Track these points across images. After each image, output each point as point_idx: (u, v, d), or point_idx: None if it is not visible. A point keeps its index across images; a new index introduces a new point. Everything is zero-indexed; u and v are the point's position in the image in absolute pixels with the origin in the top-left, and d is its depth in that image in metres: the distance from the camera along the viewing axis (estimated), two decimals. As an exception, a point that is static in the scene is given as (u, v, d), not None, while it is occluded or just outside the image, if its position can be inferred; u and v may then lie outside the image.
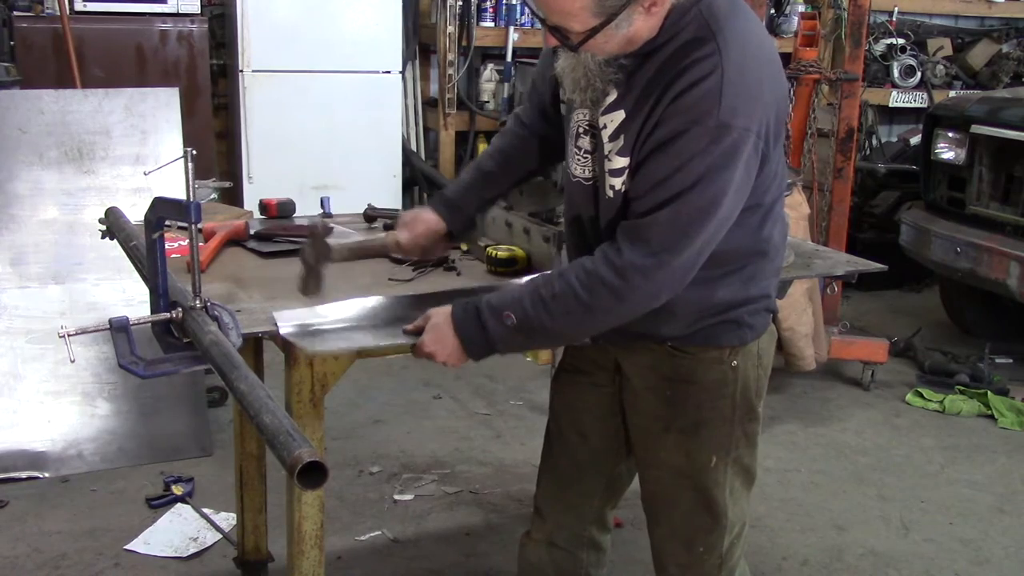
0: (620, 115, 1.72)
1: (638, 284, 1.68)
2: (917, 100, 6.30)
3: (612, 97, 1.74)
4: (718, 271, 1.79)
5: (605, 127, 1.75)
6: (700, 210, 1.65)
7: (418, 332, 1.83)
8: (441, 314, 1.81)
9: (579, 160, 1.85)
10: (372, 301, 1.95)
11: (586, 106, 1.79)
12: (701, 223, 1.65)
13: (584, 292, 1.70)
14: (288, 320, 1.85)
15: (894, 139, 6.60)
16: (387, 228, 2.50)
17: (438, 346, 1.80)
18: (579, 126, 1.83)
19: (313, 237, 1.94)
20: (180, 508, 3.22)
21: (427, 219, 2.06)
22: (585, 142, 1.82)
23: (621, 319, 1.75)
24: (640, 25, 1.65)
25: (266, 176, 4.94)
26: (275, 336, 1.84)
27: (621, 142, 1.73)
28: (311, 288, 1.95)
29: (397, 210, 2.87)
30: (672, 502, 1.99)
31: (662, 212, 1.65)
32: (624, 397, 2.01)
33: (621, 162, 1.74)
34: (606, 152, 1.76)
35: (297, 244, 2.41)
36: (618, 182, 1.75)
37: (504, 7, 5.51)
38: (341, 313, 1.91)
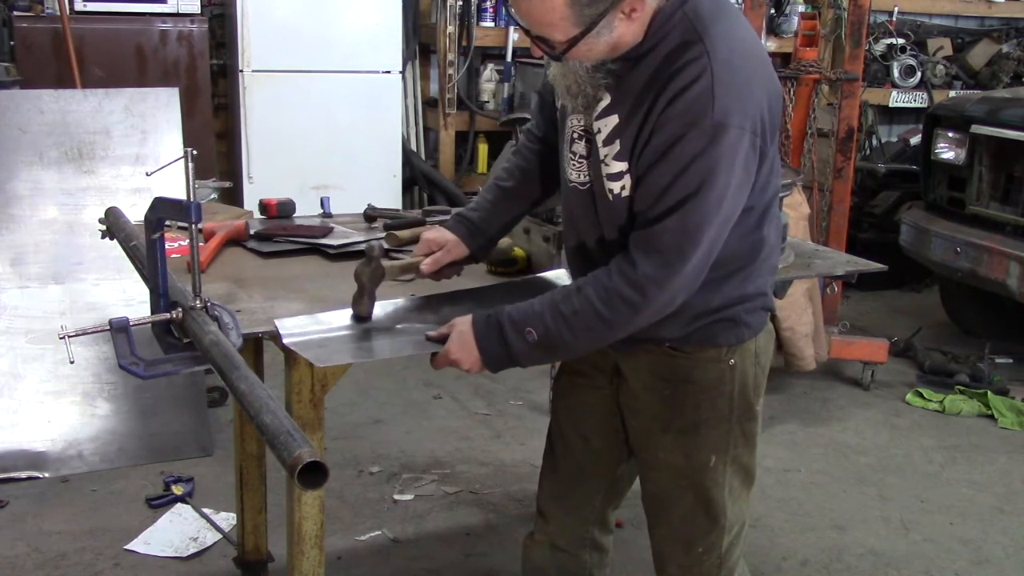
0: (614, 119, 1.73)
1: (654, 295, 1.70)
2: (917, 100, 6.30)
3: (605, 102, 1.74)
4: (719, 273, 1.79)
5: (599, 132, 1.76)
6: (705, 212, 1.66)
7: (442, 340, 1.84)
8: (465, 323, 1.82)
9: (574, 165, 1.85)
10: (375, 307, 1.95)
11: (579, 112, 1.80)
12: (707, 224, 1.66)
13: (603, 307, 1.71)
14: (290, 328, 1.85)
15: (894, 139, 6.60)
16: (387, 228, 2.49)
17: (463, 354, 1.81)
18: (573, 131, 1.84)
19: (369, 259, 1.93)
20: (180, 508, 3.22)
21: (452, 249, 2.04)
22: (580, 147, 1.83)
23: (638, 328, 1.76)
24: (623, 31, 1.66)
25: (266, 176, 4.94)
26: (275, 337, 1.84)
27: (617, 147, 1.74)
28: (364, 309, 1.93)
29: (397, 210, 2.87)
30: (671, 502, 2.00)
31: (670, 219, 1.66)
32: (622, 398, 2.01)
33: (618, 167, 1.74)
34: (601, 157, 1.76)
35: (297, 244, 2.42)
36: (616, 186, 1.76)
37: (504, 7, 5.51)
38: (343, 320, 1.91)
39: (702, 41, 1.64)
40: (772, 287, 1.96)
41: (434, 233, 2.06)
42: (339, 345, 1.83)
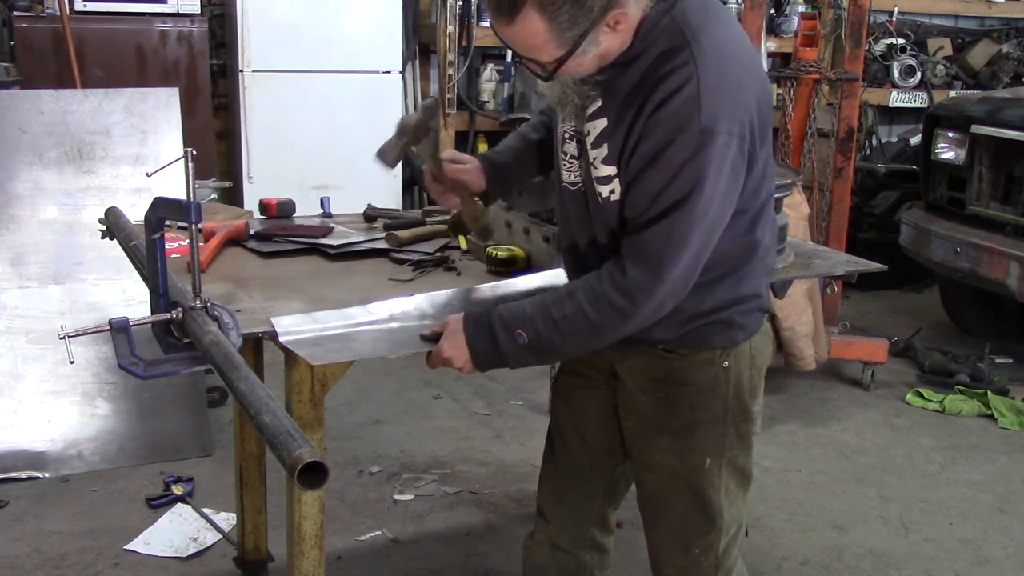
0: (603, 123, 1.74)
1: (642, 302, 1.71)
2: (917, 100, 6.30)
3: (596, 105, 1.75)
4: (711, 276, 1.79)
5: (588, 134, 1.77)
6: (692, 219, 1.66)
7: (435, 338, 1.84)
8: (458, 321, 1.83)
9: (566, 165, 1.86)
10: (370, 307, 1.95)
11: (569, 119, 1.81)
12: (694, 231, 1.67)
13: (593, 313, 1.72)
14: (287, 327, 1.85)
15: (894, 139, 6.59)
16: (387, 228, 2.50)
17: (455, 352, 1.82)
18: (565, 131, 1.85)
19: (425, 109, 1.92)
20: (180, 508, 3.22)
21: (472, 171, 2.07)
22: (571, 147, 1.84)
23: (628, 333, 1.77)
24: (609, 43, 1.66)
25: (266, 176, 4.93)
26: (275, 336, 1.84)
27: (605, 151, 1.74)
28: (391, 157, 1.92)
29: (397, 210, 2.87)
30: (667, 504, 2.00)
31: (658, 226, 1.67)
32: (618, 400, 2.01)
33: (607, 170, 1.75)
34: (591, 159, 1.77)
35: (297, 244, 2.42)
36: (605, 189, 1.76)
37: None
38: (339, 320, 1.91)
39: (689, 47, 1.64)
40: (769, 287, 1.96)
41: (465, 161, 2.10)
42: (335, 343, 1.84)
